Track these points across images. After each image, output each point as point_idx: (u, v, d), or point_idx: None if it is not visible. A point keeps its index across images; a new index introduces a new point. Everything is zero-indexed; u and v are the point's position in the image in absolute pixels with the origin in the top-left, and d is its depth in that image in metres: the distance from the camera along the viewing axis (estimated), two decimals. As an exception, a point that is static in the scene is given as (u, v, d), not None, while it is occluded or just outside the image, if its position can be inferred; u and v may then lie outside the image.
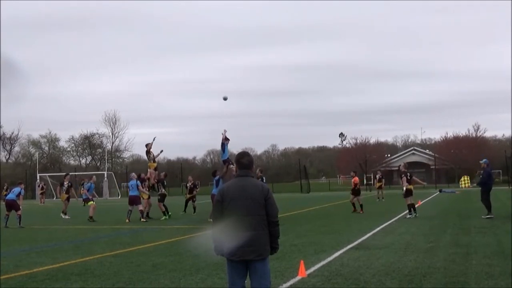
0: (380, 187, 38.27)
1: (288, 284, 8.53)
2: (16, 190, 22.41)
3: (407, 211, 21.58)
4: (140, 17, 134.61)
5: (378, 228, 17.02)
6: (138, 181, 23.40)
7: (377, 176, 39.73)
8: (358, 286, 8.27)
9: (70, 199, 28.41)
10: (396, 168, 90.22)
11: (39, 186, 55.71)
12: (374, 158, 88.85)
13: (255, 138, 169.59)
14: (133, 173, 24.74)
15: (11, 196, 22.55)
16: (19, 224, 21.32)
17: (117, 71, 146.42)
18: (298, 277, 8.92)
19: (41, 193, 51.77)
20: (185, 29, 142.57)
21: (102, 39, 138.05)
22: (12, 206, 22.14)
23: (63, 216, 26.62)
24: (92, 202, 24.67)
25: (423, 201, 33.24)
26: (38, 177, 62.93)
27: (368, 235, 15.25)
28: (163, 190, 25.45)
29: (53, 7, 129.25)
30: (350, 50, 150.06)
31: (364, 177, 74.42)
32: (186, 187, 29.56)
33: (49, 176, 65.84)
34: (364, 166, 79.42)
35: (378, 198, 37.19)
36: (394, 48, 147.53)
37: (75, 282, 9.08)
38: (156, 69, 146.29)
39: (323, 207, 30.58)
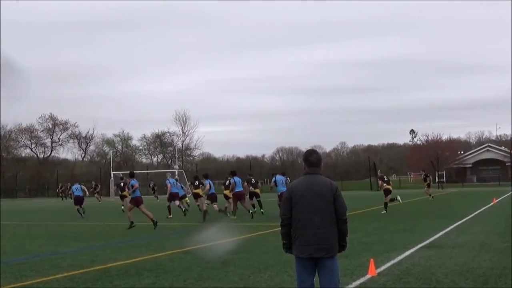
0: (428, 186, 36.85)
1: (358, 282, 8.43)
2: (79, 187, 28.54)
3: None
4: (208, 15, 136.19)
5: (451, 227, 16.59)
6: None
7: (422, 175, 38.46)
8: (430, 286, 8.08)
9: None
10: (469, 165, 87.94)
11: (117, 184, 57.07)
12: (447, 155, 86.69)
13: (324, 136, 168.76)
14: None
15: (78, 192, 28.17)
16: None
17: (187, 69, 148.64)
18: (368, 276, 8.80)
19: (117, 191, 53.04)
20: (252, 27, 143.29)
21: (172, 38, 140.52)
22: (80, 200, 27.83)
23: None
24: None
25: (498, 200, 32.17)
26: (112, 175, 64.64)
27: (440, 233, 14.89)
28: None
29: (117, 7, 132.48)
30: (420, 44, 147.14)
31: (436, 175, 72.66)
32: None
33: (122, 173, 67.51)
34: (436, 163, 77.59)
35: (430, 196, 35.79)
36: (466, 41, 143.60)
37: (147, 278, 9.26)
38: (225, 67, 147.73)
39: (393, 205, 30.07)
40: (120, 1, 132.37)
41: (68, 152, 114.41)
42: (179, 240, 15.19)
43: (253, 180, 25.75)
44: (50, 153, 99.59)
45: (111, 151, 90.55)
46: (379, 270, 9.28)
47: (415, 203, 31.44)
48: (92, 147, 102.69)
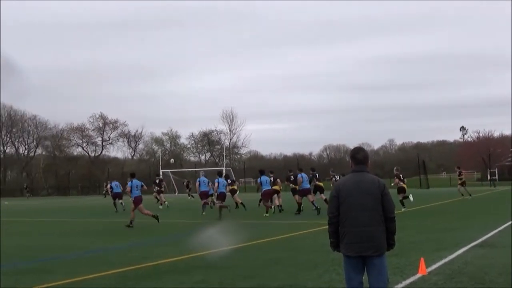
0: (462, 184, 34.70)
1: (408, 281, 8.31)
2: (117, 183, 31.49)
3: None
4: (252, 12, 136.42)
5: (505, 225, 16.17)
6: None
7: (456, 172, 36.18)
8: (483, 286, 7.90)
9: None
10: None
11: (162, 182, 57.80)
12: (499, 152, 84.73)
13: (372, 133, 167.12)
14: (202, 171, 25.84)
15: (117, 189, 31.09)
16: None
17: (232, 67, 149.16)
18: (418, 275, 8.67)
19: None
20: (296, 24, 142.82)
21: (217, 36, 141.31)
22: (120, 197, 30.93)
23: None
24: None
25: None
26: (161, 173, 65.50)
27: (493, 232, 14.54)
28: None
29: (161, 6, 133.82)
30: (470, 39, 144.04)
31: (488, 172, 71.09)
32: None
33: (171, 172, 68.34)
34: (488, 160, 75.90)
35: (463, 195, 34.20)
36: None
37: (196, 275, 9.34)
38: (270, 64, 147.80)
39: (443, 203, 29.57)
40: (164, 0, 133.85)
41: (118, 151, 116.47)
42: (227, 238, 15.26)
43: (292, 177, 25.70)
44: (101, 152, 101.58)
45: (159, 150, 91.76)
46: (430, 269, 9.13)
47: (465, 202, 30.81)
48: (141, 146, 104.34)
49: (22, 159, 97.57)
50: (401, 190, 25.37)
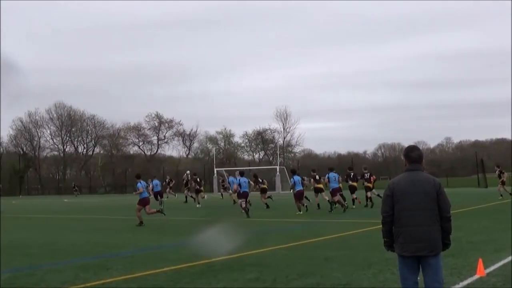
0: (502, 183, 33.09)
1: (466, 282, 8.13)
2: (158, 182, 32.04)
3: None
4: (302, 10, 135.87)
5: None
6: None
7: (496, 171, 34.57)
8: (544, 288, 7.65)
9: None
10: None
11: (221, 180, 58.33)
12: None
13: (427, 131, 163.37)
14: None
15: (157, 188, 31.73)
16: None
17: (285, 65, 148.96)
18: (476, 276, 8.46)
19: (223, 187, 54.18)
20: (347, 21, 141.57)
21: (268, 34, 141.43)
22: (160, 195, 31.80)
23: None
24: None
25: None
26: (215, 172, 66.03)
27: (555, 233, 14.06)
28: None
29: (212, 6, 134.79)
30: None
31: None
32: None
33: (225, 170, 68.82)
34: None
35: (502, 195, 32.56)
36: None
37: (250, 273, 9.37)
38: (323, 62, 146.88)
39: (502, 203, 28.78)
40: (215, 0, 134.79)
41: (173, 149, 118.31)
42: (281, 236, 15.27)
43: (317, 176, 26.55)
44: (157, 151, 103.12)
45: (214, 148, 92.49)
46: (488, 270, 8.90)
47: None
48: (196, 144, 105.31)
49: (81, 158, 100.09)
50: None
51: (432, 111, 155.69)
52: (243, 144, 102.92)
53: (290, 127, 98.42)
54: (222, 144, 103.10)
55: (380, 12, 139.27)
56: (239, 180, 24.53)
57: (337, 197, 24.44)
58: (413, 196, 5.66)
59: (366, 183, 27.65)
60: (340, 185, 25.36)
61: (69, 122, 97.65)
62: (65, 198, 54.14)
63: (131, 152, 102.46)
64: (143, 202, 20.40)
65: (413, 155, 5.88)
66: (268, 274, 9.20)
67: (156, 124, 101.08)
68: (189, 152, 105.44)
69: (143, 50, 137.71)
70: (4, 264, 11.18)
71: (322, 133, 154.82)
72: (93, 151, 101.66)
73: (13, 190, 77.33)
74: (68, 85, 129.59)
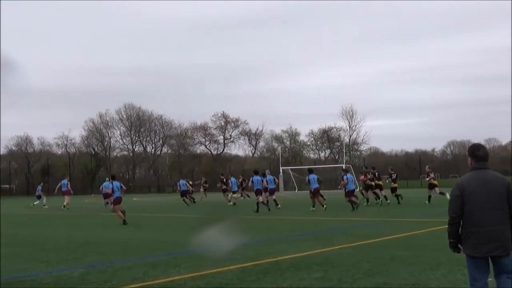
0: None
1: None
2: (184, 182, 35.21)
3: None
4: (366, 4, 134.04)
5: None
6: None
7: None
8: None
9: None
10: None
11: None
12: None
13: (498, 127, 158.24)
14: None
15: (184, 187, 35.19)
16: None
17: (350, 62, 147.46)
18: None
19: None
20: (413, 15, 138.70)
21: (333, 31, 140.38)
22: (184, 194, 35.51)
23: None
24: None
25: None
26: (281, 171, 66.15)
27: None
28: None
29: (273, 6, 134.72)
30: None
31: None
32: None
33: (290, 169, 68.83)
34: None
35: None
36: None
37: (316, 272, 9.36)
38: (388, 58, 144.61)
39: None
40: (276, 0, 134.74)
41: (239, 149, 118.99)
42: (346, 235, 15.17)
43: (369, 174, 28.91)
44: (223, 150, 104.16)
45: (279, 147, 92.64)
46: None
47: None
48: (261, 143, 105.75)
49: (150, 157, 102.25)
50: (432, 186, 27.56)
51: (503, 106, 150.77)
52: (308, 143, 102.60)
53: (356, 125, 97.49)
54: (288, 142, 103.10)
55: (444, 4, 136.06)
56: (253, 178, 27.45)
57: (353, 198, 25.62)
58: (484, 195, 5.55)
59: (392, 183, 29.46)
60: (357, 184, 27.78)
61: (138, 122, 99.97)
62: (135, 197, 55.46)
63: (198, 152, 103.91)
64: (116, 201, 21.63)
65: (480, 153, 5.76)
66: (334, 273, 9.17)
67: (222, 123, 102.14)
68: (255, 151, 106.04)
69: (208, 50, 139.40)
70: (77, 260, 11.59)
71: (388, 131, 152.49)
72: (161, 150, 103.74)
73: (85, 189, 79.80)
74: (136, 86, 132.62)
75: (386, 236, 14.33)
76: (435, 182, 27.91)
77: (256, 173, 28.01)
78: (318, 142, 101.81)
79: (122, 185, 22.14)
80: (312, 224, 18.97)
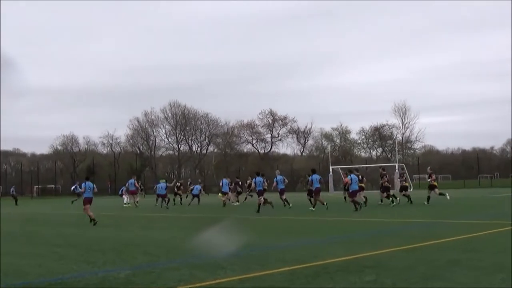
0: None
1: None
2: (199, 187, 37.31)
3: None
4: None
5: None
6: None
7: None
8: None
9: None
10: None
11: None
12: None
13: None
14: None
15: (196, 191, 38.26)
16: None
17: (402, 57, 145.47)
18: None
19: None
20: (473, 8, 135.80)
21: (385, 25, 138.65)
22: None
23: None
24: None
25: None
26: (330, 170, 65.78)
27: None
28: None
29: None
30: None
31: None
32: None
33: (340, 168, 68.42)
34: None
35: None
36: None
37: (368, 275, 9.27)
38: (445, 52, 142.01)
39: None
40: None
41: (287, 147, 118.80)
42: (398, 237, 14.98)
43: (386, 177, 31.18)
44: (270, 149, 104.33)
45: (329, 145, 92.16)
46: None
47: None
48: (310, 142, 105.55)
49: (195, 157, 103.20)
50: (432, 187, 29.70)
51: None
52: (359, 141, 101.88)
53: (409, 122, 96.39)
54: (338, 141, 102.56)
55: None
56: (255, 179, 28.89)
57: (356, 198, 26.75)
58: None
59: (404, 182, 32.35)
60: (363, 184, 29.89)
61: (184, 121, 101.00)
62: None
63: (245, 150, 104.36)
64: (85, 201, 22.66)
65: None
66: (387, 277, 9.06)
67: (270, 121, 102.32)
68: (303, 150, 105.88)
69: (255, 46, 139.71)
70: (124, 261, 11.78)
71: (444, 128, 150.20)
72: (206, 149, 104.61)
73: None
74: (181, 84, 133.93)
75: (441, 239, 14.08)
76: (435, 183, 30.10)
77: (258, 174, 29.48)
78: (370, 140, 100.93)
79: (95, 186, 23.30)
80: (360, 226, 18.80)
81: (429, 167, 32.41)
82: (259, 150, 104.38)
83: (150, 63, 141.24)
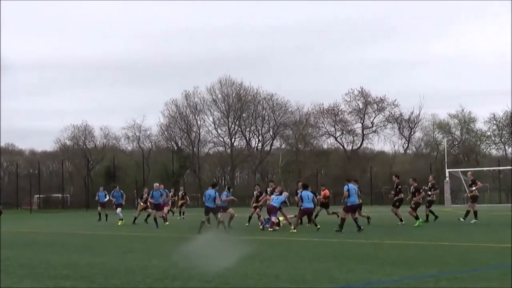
0: None
1: None
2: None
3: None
4: None
5: None
6: None
7: None
8: None
9: None
10: None
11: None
12: None
13: None
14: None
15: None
16: None
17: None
18: None
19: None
20: None
21: None
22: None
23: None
24: None
25: None
26: (447, 174, 65.07)
27: None
28: None
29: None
30: None
31: None
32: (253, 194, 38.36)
33: (461, 172, 67.64)
34: None
35: None
36: None
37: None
38: None
39: None
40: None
41: (385, 142, 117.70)
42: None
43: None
44: (361, 144, 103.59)
45: (445, 139, 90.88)
46: None
47: None
48: (418, 134, 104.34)
49: (255, 155, 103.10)
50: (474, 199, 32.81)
51: None
52: (489, 133, 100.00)
53: None
54: (458, 133, 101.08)
55: None
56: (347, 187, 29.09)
57: (355, 215, 28.26)
58: None
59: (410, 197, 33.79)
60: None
61: (239, 105, 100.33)
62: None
63: (325, 146, 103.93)
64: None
65: None
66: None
67: (361, 105, 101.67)
68: (408, 145, 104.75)
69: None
70: None
71: None
72: (271, 145, 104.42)
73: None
74: (235, 53, 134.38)
75: None
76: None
77: (349, 181, 30.19)
78: (504, 132, 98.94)
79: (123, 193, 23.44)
80: (497, 255, 18.37)
81: (469, 173, 36.77)
82: (345, 146, 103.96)
83: (194, 25, 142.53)
